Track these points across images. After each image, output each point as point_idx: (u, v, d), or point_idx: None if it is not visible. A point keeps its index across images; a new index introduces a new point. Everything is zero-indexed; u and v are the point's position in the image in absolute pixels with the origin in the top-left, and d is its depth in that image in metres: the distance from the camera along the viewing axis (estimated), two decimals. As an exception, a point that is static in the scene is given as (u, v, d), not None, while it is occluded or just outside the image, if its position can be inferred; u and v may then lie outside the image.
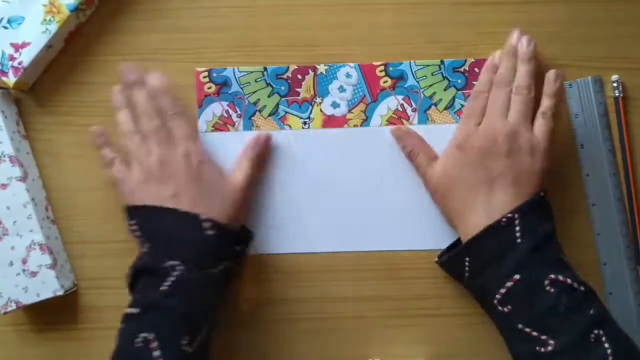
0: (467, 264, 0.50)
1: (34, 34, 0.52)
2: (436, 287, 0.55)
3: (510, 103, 0.51)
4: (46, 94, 0.55)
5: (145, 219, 0.49)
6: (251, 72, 0.55)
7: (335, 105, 0.55)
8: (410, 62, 0.55)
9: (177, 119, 0.51)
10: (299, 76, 0.55)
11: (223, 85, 0.54)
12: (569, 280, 0.46)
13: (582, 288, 0.47)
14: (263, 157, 0.54)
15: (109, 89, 0.55)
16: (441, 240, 0.54)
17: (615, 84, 0.55)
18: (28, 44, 0.52)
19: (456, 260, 0.51)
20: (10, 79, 0.52)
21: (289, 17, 0.55)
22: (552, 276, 0.46)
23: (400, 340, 0.55)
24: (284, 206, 0.55)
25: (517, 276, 0.46)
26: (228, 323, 0.51)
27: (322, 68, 0.55)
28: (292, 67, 0.55)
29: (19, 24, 0.52)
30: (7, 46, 0.52)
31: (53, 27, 0.52)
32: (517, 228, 0.47)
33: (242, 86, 0.55)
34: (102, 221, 0.55)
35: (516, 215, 0.48)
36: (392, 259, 0.55)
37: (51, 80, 0.55)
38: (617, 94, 0.55)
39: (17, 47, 0.52)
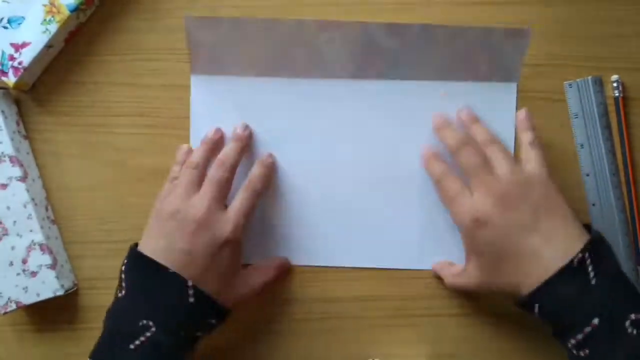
0: (536, 310, 0.46)
1: (34, 34, 0.52)
2: (437, 287, 0.55)
3: (488, 156, 0.49)
4: (46, 94, 0.55)
5: (135, 266, 0.47)
6: None
7: None
8: None
9: (249, 192, 0.50)
10: None
11: None
12: None
13: None
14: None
15: (109, 88, 0.55)
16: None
17: (615, 84, 0.55)
18: (28, 44, 0.52)
19: (522, 306, 0.47)
20: (11, 79, 0.52)
21: (287, 16, 0.55)
22: (633, 316, 0.43)
23: (401, 340, 0.55)
24: (284, 215, 0.55)
25: (595, 321, 0.43)
26: (226, 323, 0.51)
27: None
28: None
29: (19, 24, 0.52)
30: (7, 46, 0.52)
31: (53, 27, 0.52)
32: (590, 268, 0.44)
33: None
34: (102, 221, 0.55)
35: (587, 255, 0.44)
36: (392, 259, 0.55)
37: (51, 80, 0.55)
38: (617, 94, 0.55)
39: (17, 47, 0.52)
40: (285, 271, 0.55)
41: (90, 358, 0.45)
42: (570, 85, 0.55)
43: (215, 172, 0.49)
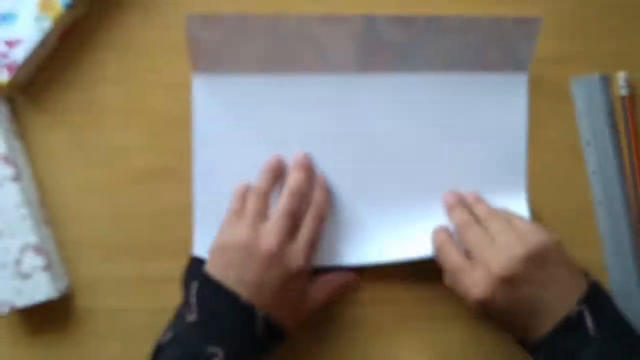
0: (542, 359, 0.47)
1: (28, 31, 0.51)
2: (440, 289, 0.53)
3: (491, 229, 0.49)
4: (40, 93, 0.54)
5: (206, 292, 0.47)
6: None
7: None
8: None
9: (317, 220, 0.51)
10: None
11: None
12: None
13: None
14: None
15: (105, 87, 0.54)
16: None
17: (622, 82, 0.54)
18: (22, 41, 0.51)
19: (530, 353, 0.49)
20: (4, 78, 0.51)
21: (288, 10, 0.54)
22: None
23: (403, 345, 0.54)
24: None
25: None
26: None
27: None
28: None
29: (12, 21, 0.51)
30: (0, 44, 0.51)
31: (47, 24, 0.51)
32: (588, 320, 0.45)
33: None
34: (97, 222, 0.54)
35: (583, 307, 0.45)
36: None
37: (46, 78, 0.54)
38: (624, 92, 0.54)
39: (11, 45, 0.51)
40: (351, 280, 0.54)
41: None
42: (577, 81, 0.55)
43: (288, 203, 0.49)
